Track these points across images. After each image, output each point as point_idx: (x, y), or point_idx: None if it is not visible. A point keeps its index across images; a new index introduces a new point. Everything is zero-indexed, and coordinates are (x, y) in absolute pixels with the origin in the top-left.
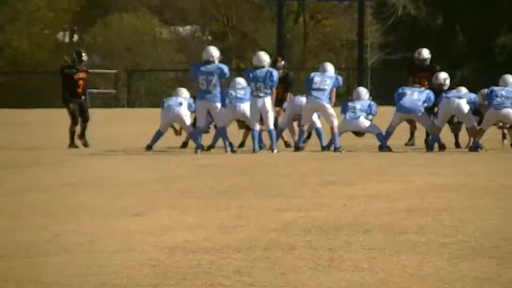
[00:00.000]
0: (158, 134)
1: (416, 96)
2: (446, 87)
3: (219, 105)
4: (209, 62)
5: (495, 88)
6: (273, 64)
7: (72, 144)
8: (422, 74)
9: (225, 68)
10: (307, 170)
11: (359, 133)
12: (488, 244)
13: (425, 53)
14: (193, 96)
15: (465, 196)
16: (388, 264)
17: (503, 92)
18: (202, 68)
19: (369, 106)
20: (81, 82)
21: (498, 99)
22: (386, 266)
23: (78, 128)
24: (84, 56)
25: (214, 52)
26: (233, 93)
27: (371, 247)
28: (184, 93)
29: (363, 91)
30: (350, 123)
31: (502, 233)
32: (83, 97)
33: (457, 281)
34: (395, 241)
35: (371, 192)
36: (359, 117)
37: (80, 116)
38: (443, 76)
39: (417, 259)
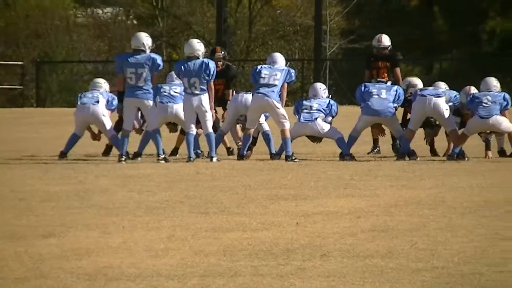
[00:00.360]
0: (74, 139)
1: (384, 95)
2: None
3: (151, 102)
4: (139, 51)
5: (477, 93)
6: (211, 55)
7: None
8: (381, 64)
9: (158, 59)
10: (253, 182)
11: (316, 138)
12: (469, 271)
13: (385, 40)
14: (119, 91)
15: (442, 214)
16: None
17: (489, 97)
18: (131, 59)
19: (328, 105)
20: None
21: (484, 106)
22: None
23: None
24: None
25: (146, 39)
26: (167, 89)
27: (330, 274)
28: (103, 85)
29: (321, 88)
30: (306, 126)
31: (486, 257)
32: None
33: None
34: (358, 267)
35: (330, 208)
36: (316, 118)
37: None
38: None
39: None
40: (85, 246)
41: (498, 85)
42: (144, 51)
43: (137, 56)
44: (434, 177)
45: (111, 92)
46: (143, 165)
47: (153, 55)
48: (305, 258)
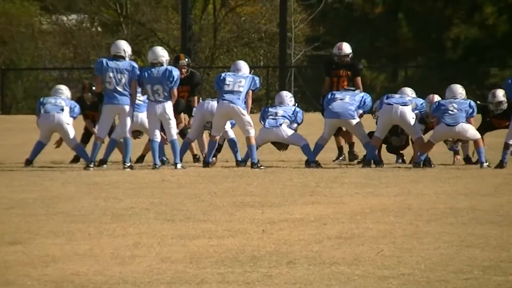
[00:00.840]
0: (39, 146)
1: (347, 100)
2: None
3: (129, 109)
4: (119, 57)
5: (442, 101)
6: (175, 62)
7: None
8: (341, 72)
9: (137, 67)
10: (219, 189)
11: (281, 144)
12: (435, 278)
13: (346, 48)
14: (79, 98)
15: (408, 221)
16: None
17: (455, 105)
18: (111, 64)
19: (294, 112)
20: None
21: (450, 114)
22: None
23: None
24: None
25: (126, 47)
26: (141, 100)
27: (296, 281)
28: (65, 92)
29: (287, 96)
30: (271, 132)
31: (452, 264)
32: None
33: None
34: (325, 274)
35: (295, 216)
36: (280, 124)
37: None
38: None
39: None
40: (51, 253)
41: (464, 92)
42: (124, 58)
43: (117, 62)
44: (400, 184)
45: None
46: (109, 172)
47: (133, 63)
48: (271, 265)
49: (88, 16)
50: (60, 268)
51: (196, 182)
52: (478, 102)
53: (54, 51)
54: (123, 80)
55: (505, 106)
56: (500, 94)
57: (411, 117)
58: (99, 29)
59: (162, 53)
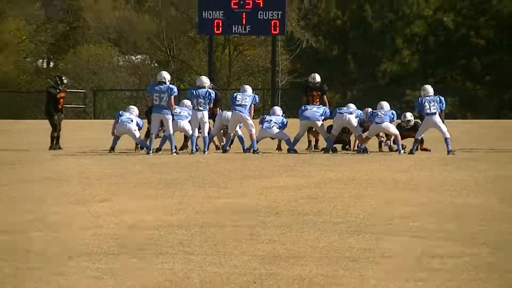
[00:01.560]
0: (116, 140)
1: (315, 109)
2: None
3: (169, 116)
4: (162, 83)
5: (374, 110)
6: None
7: (51, 147)
8: (314, 93)
9: (175, 88)
10: (233, 167)
11: (278, 148)
12: (369, 223)
13: (317, 77)
14: (149, 109)
15: (352, 188)
16: (294, 238)
17: (382, 111)
18: (156, 88)
19: (282, 120)
20: (61, 100)
21: (379, 116)
22: (292, 239)
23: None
24: (65, 80)
25: (166, 75)
26: (178, 110)
27: (281, 225)
28: (135, 110)
29: (278, 110)
30: (266, 131)
31: (380, 215)
32: (61, 114)
33: (345, 251)
34: (299, 221)
35: (281, 184)
36: (272, 127)
37: (55, 127)
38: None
39: (315, 234)
40: (126, 207)
41: (388, 106)
42: (165, 83)
43: (161, 86)
44: (347, 165)
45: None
46: (162, 156)
47: (171, 85)
48: (265, 215)
49: (149, 56)
50: (132, 217)
51: (218, 163)
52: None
53: (126, 78)
54: (164, 98)
55: (412, 123)
56: (408, 115)
57: (354, 121)
58: (156, 64)
59: (205, 80)
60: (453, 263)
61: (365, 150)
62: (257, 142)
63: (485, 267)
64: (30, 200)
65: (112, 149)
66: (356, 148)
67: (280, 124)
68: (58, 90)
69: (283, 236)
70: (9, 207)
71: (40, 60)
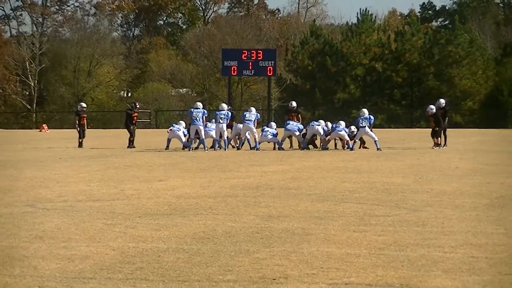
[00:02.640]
0: (169, 142)
1: (294, 125)
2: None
3: (201, 127)
4: (197, 107)
5: (333, 124)
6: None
7: (128, 146)
8: (292, 114)
9: (205, 112)
10: (243, 159)
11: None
12: (330, 195)
13: (294, 103)
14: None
15: (319, 171)
16: (282, 204)
17: (338, 125)
18: (194, 111)
19: (273, 133)
20: (135, 117)
21: (336, 128)
22: (281, 205)
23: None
24: (138, 104)
25: (199, 104)
26: (209, 125)
27: (274, 196)
28: (183, 124)
29: (273, 124)
30: (265, 138)
31: (337, 189)
32: (135, 126)
33: (315, 212)
34: (286, 193)
35: (274, 169)
36: (268, 135)
37: (129, 133)
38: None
39: (295, 202)
40: (175, 185)
41: (367, 112)
42: (199, 108)
43: (197, 109)
44: (316, 157)
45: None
46: (198, 152)
47: (204, 110)
48: (264, 190)
49: (190, 89)
50: (179, 191)
51: (233, 156)
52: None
53: (176, 103)
54: (199, 116)
55: (355, 132)
56: (353, 127)
57: (321, 131)
58: (195, 94)
59: (224, 106)
60: (384, 220)
61: (326, 148)
62: (258, 143)
63: (404, 223)
64: (114, 180)
65: (167, 147)
66: (321, 147)
67: (274, 133)
68: (133, 111)
69: (275, 203)
70: (101, 184)
71: (122, 91)
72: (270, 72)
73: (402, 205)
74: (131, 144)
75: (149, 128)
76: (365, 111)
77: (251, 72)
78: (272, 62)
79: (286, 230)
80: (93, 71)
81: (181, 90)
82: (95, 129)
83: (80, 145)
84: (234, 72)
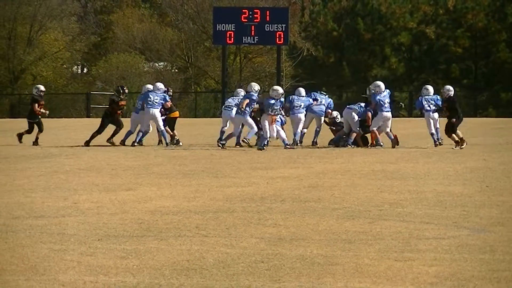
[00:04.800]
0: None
1: (320, 106)
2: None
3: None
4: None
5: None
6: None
7: (109, 140)
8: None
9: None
10: (242, 159)
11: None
12: (363, 209)
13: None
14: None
15: (348, 177)
16: (297, 222)
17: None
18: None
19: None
20: (123, 107)
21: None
22: (295, 223)
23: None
24: (126, 89)
25: (256, 86)
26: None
27: (285, 211)
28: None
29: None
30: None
31: (372, 202)
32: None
33: (342, 234)
34: (301, 207)
35: (285, 174)
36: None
37: (117, 125)
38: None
39: (316, 219)
40: (149, 195)
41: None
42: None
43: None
44: (344, 157)
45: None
46: (180, 149)
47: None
48: (272, 202)
49: (170, 63)
50: (153, 204)
51: (228, 156)
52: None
53: (150, 82)
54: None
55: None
56: (334, 113)
57: (356, 117)
58: (176, 70)
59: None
60: (437, 244)
61: (380, 145)
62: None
63: (465, 248)
64: (64, 189)
65: (123, 143)
66: (372, 144)
67: (281, 122)
68: (120, 98)
69: (287, 221)
70: (46, 194)
71: (75, 67)
72: (280, 40)
73: (462, 224)
74: (110, 139)
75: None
76: (430, 88)
77: (254, 40)
78: (283, 25)
79: (302, 258)
80: (35, 38)
81: (157, 64)
82: None
83: (36, 142)
84: (230, 40)
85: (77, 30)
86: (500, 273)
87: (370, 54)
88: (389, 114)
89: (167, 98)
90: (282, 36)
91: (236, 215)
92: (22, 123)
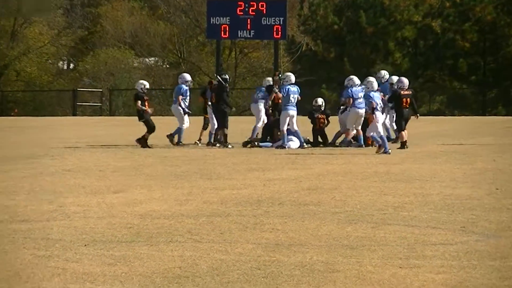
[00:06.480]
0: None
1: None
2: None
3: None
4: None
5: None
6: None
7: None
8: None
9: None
10: (238, 160)
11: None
12: (366, 213)
13: (320, 100)
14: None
15: (349, 179)
16: (296, 227)
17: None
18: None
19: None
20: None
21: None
22: (294, 228)
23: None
24: (147, 85)
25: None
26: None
27: (283, 215)
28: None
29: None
30: None
31: (375, 205)
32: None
33: (344, 239)
34: (300, 211)
35: (283, 176)
36: None
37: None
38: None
39: (315, 223)
40: (138, 198)
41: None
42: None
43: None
44: (344, 157)
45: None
46: (172, 149)
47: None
48: (269, 206)
49: (161, 58)
50: (143, 207)
51: (223, 157)
52: None
53: (140, 79)
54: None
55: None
56: (319, 101)
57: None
58: (167, 66)
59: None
60: (444, 250)
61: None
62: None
63: (474, 254)
64: (49, 191)
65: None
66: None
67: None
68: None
69: (285, 225)
70: (30, 197)
71: (61, 62)
72: (277, 34)
73: (471, 229)
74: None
75: (100, 115)
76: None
77: (250, 34)
78: (281, 19)
79: (301, 265)
80: (18, 32)
81: (147, 59)
82: (22, 117)
83: (145, 143)
84: (225, 34)
85: (63, 24)
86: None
87: (373, 49)
88: (362, 111)
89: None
90: (279, 30)
91: (231, 219)
92: (3, 121)
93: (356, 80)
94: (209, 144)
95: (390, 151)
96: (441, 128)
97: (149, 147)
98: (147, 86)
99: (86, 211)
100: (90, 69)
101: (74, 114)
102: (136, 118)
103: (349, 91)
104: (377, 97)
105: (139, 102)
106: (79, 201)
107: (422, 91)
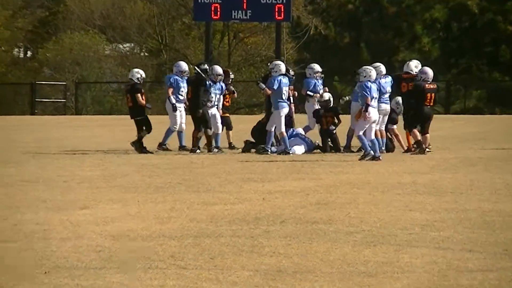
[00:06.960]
0: None
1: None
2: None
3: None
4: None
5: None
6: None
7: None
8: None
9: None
10: (231, 169)
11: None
12: (387, 233)
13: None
14: None
15: (367, 192)
16: (302, 250)
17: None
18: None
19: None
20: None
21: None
22: (299, 251)
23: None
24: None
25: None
26: None
27: (287, 236)
28: None
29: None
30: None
31: (399, 223)
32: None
33: (361, 265)
34: (307, 230)
35: (286, 188)
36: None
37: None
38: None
39: (326, 246)
40: (110, 215)
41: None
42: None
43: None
44: (362, 165)
45: None
46: (151, 156)
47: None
48: (269, 224)
49: (138, 44)
50: (116, 226)
51: (214, 164)
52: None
53: (113, 69)
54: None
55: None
56: (326, 96)
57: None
58: (146, 54)
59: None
60: (483, 278)
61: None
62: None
63: None
64: (2, 206)
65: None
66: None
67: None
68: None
69: (289, 248)
70: None
71: (17, 49)
72: (280, 15)
73: None
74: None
75: (65, 114)
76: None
77: (246, 15)
78: None
79: None
80: None
81: (121, 46)
82: None
83: (141, 147)
84: (216, 15)
85: (19, 3)
86: None
87: (396, 33)
88: (387, 107)
89: None
90: (282, 10)
91: (223, 240)
92: None
93: (383, 69)
94: (210, 150)
95: (380, 156)
96: (479, 129)
97: (150, 153)
98: (144, 75)
99: (47, 231)
100: (51, 58)
101: (33, 113)
102: (128, 116)
103: (369, 84)
104: (375, 90)
105: (139, 95)
106: (39, 219)
107: (455, 85)
